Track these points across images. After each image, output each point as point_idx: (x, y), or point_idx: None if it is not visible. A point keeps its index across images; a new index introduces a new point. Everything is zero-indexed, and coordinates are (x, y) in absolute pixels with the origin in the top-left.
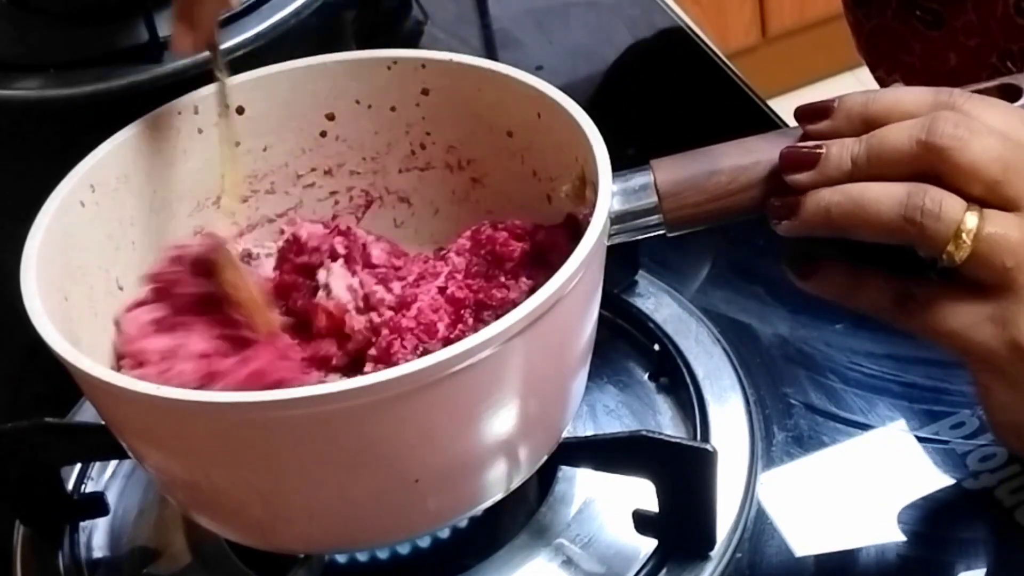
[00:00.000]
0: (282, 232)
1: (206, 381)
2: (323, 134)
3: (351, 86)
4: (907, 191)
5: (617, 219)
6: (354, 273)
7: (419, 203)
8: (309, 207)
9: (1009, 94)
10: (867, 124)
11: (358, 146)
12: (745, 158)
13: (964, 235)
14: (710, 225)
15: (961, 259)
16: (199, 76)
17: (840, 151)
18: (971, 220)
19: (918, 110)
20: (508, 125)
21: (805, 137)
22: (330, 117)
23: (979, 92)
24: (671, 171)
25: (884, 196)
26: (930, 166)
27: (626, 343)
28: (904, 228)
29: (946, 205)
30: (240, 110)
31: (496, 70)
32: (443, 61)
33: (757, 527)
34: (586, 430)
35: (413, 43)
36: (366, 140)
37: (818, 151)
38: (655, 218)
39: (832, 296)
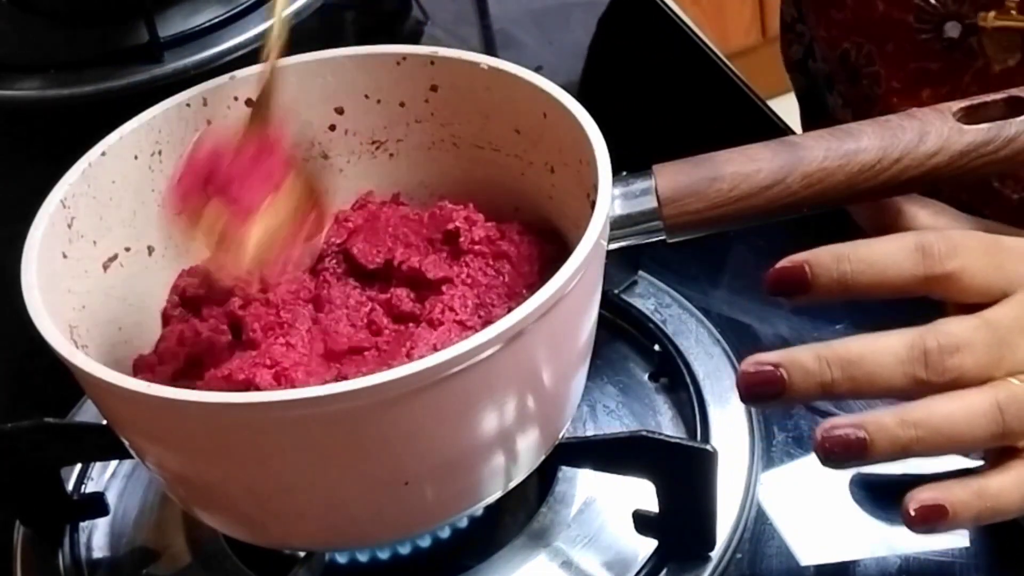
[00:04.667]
0: None
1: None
2: (332, 128)
3: (360, 80)
4: (998, 409)
5: (617, 223)
6: None
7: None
8: None
9: (1015, 107)
10: (849, 294)
11: (368, 140)
12: (747, 166)
13: None
14: (710, 232)
15: None
16: (199, 76)
17: (805, 379)
18: None
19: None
20: (515, 123)
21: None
22: (339, 111)
23: (983, 104)
24: (673, 177)
25: (973, 423)
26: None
27: (626, 343)
28: (998, 442)
29: None
30: (249, 102)
31: (505, 69)
32: (452, 58)
33: (757, 527)
34: (586, 430)
35: (413, 43)
36: (376, 134)
37: (780, 376)
38: (655, 223)
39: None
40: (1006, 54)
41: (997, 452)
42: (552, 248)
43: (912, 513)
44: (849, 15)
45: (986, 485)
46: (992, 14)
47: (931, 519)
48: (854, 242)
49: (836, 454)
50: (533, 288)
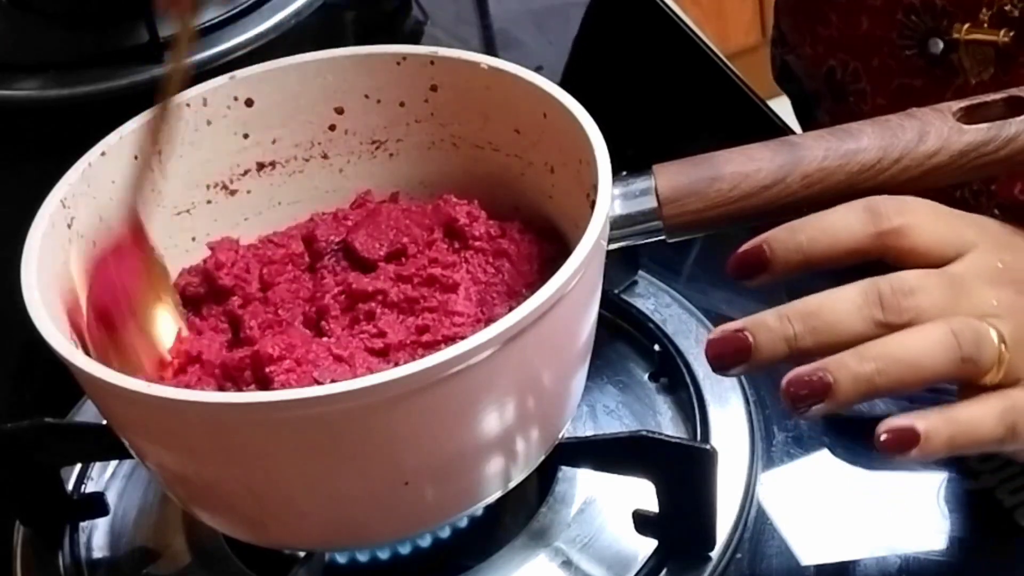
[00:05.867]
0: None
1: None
2: (332, 127)
3: (360, 80)
4: (952, 334)
5: (617, 223)
6: None
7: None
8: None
9: (1014, 107)
10: (808, 264)
11: (367, 140)
12: (747, 165)
13: (1003, 350)
14: (710, 232)
15: (1000, 376)
16: (199, 76)
17: (770, 338)
18: (995, 334)
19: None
20: (515, 123)
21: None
22: (339, 111)
23: (983, 104)
24: (673, 176)
25: (930, 349)
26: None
27: (626, 343)
28: (960, 370)
29: (982, 334)
30: (249, 102)
31: (504, 69)
32: (452, 58)
33: (757, 527)
34: (586, 430)
35: (413, 43)
36: (376, 134)
37: (746, 338)
38: (655, 223)
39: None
40: (981, 67)
41: (968, 390)
42: (552, 248)
43: (883, 438)
44: (835, 31)
45: (957, 411)
46: (967, 26)
47: (903, 443)
48: (806, 216)
49: (803, 397)
50: (533, 287)
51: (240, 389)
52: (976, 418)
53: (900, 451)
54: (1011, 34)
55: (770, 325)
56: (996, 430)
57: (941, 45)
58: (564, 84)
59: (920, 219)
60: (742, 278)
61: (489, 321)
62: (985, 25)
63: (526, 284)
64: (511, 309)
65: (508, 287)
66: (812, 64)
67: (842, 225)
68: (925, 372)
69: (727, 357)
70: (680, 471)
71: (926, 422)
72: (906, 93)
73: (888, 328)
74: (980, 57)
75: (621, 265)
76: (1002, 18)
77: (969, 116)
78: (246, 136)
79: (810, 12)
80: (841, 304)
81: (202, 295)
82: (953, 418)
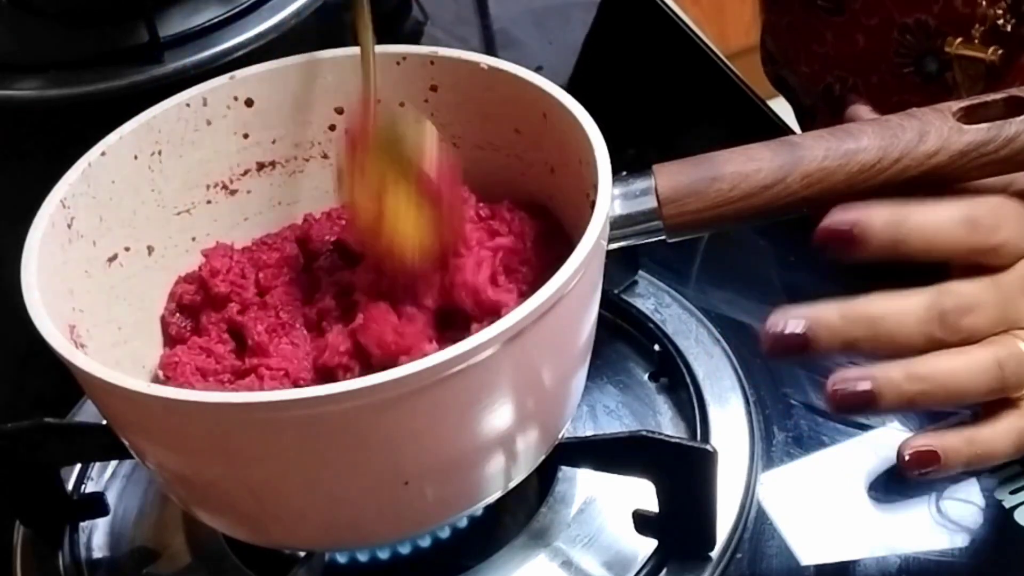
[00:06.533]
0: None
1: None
2: (332, 127)
3: (360, 80)
4: (997, 365)
5: (617, 223)
6: None
7: None
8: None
9: (1014, 107)
10: (897, 256)
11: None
12: (747, 165)
13: None
14: (710, 232)
15: None
16: (199, 76)
17: (830, 338)
18: None
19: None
20: (515, 123)
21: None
22: (339, 111)
23: (983, 104)
24: (673, 176)
25: (975, 378)
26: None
27: (626, 343)
28: (997, 395)
29: (1022, 360)
30: (249, 102)
31: (504, 69)
32: (452, 58)
33: (757, 527)
34: (586, 430)
35: (413, 43)
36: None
37: (807, 334)
38: (655, 223)
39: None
40: (972, 83)
41: (991, 402)
42: (544, 223)
43: (907, 458)
44: (830, 49)
45: (977, 433)
46: (959, 41)
47: (924, 463)
48: (906, 207)
49: (847, 404)
50: (528, 263)
51: None
52: (994, 440)
53: (921, 469)
54: (999, 52)
55: (833, 325)
56: (1008, 451)
57: (937, 63)
58: (571, 87)
59: (1010, 234)
60: (827, 251)
61: None
62: (976, 41)
63: (521, 261)
64: (507, 289)
65: (504, 267)
66: (809, 81)
67: (944, 230)
68: (965, 397)
69: (785, 351)
70: (680, 471)
71: (945, 444)
72: (904, 109)
73: (941, 344)
74: (971, 73)
75: (621, 265)
76: (994, 34)
77: (969, 116)
78: (246, 136)
79: (804, 30)
80: (905, 317)
81: (199, 302)
82: (971, 439)
